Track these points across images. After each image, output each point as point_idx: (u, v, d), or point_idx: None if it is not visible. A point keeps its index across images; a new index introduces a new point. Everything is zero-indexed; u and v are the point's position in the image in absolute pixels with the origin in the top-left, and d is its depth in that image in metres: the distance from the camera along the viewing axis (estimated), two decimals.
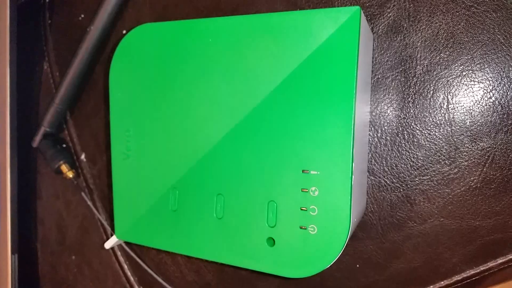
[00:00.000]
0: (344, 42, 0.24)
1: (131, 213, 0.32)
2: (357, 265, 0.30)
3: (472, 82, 0.26)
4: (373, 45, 0.29)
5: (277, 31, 0.26)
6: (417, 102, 0.28)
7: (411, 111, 0.28)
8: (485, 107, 0.26)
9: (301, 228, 0.25)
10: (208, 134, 0.28)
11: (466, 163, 0.27)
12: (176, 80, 0.29)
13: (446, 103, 0.27)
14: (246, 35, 0.27)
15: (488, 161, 0.26)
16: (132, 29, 0.31)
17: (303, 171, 0.25)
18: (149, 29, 0.31)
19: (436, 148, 0.27)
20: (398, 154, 0.28)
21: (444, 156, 0.27)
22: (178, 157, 0.29)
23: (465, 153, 0.27)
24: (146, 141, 0.31)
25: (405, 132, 0.28)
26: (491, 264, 0.27)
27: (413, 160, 0.28)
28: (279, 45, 0.26)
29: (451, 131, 0.27)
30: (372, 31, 0.29)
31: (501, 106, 0.26)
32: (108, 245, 0.35)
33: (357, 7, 0.24)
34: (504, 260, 0.27)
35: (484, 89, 0.26)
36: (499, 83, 0.26)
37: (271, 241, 0.26)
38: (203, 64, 0.28)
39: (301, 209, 0.25)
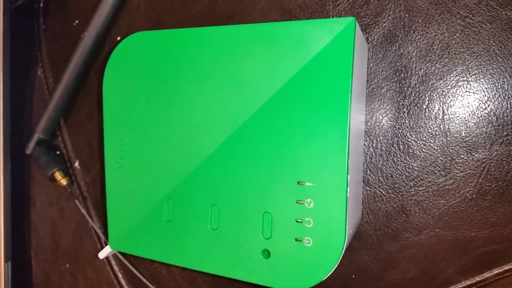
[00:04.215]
0: (339, 52, 0.24)
1: (125, 223, 0.31)
2: (353, 276, 0.30)
3: (467, 93, 0.26)
4: (368, 55, 0.29)
5: (272, 41, 0.26)
6: (412, 112, 0.28)
7: (406, 121, 0.28)
8: (481, 118, 0.26)
9: (296, 240, 0.25)
10: (203, 144, 0.28)
11: (461, 174, 0.27)
12: (170, 89, 0.29)
13: (441, 114, 0.27)
14: (241, 45, 0.27)
15: (484, 173, 0.26)
16: (126, 37, 0.31)
17: (298, 182, 0.25)
18: (143, 37, 0.30)
19: (431, 159, 0.27)
20: (394, 165, 0.28)
21: (439, 167, 0.27)
22: (173, 167, 0.29)
23: (460, 164, 0.27)
24: (140, 150, 0.30)
25: (400, 143, 0.28)
26: (487, 274, 0.27)
27: (408, 170, 0.28)
28: (274, 55, 0.26)
29: (446, 142, 0.27)
30: (367, 41, 0.28)
31: (496, 117, 0.26)
32: (102, 255, 0.34)
33: (352, 18, 0.24)
34: (499, 270, 0.27)
35: (479, 100, 0.26)
36: (494, 94, 0.26)
37: (266, 253, 0.26)
38: (198, 73, 0.28)
39: (297, 221, 0.25)
